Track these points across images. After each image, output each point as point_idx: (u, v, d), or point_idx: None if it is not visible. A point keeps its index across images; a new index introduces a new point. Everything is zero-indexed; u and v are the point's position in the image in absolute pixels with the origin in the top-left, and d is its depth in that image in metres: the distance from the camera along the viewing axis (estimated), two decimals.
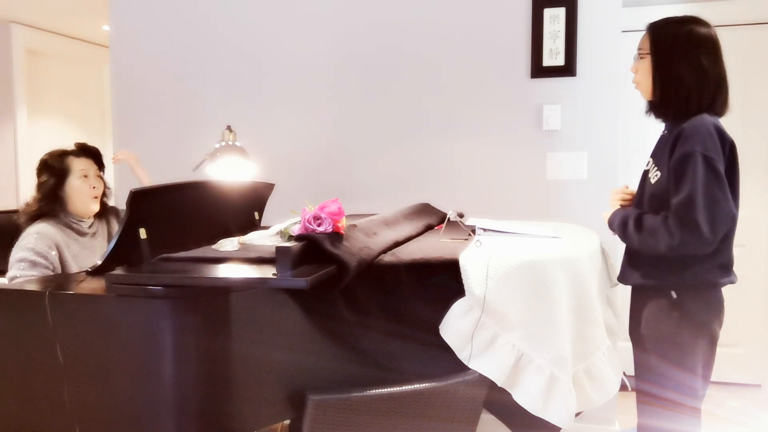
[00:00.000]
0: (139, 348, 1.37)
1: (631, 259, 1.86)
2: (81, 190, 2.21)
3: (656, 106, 1.87)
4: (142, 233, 1.60)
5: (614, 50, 2.57)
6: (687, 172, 1.67)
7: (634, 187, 2.07)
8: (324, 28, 2.89)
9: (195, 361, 1.38)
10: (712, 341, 1.78)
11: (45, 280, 1.86)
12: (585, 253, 1.63)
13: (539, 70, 2.63)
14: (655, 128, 3.67)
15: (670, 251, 1.69)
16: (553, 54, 2.61)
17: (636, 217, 1.79)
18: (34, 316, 1.44)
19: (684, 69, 1.76)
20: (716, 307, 1.77)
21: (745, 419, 2.81)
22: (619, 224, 1.84)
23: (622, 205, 1.97)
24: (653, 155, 1.90)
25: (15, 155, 4.29)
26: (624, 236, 1.82)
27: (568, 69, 2.60)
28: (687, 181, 1.66)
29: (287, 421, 1.61)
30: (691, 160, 1.66)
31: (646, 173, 1.92)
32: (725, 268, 1.76)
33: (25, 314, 1.48)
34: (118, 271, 1.46)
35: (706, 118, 1.73)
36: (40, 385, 1.47)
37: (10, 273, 2.07)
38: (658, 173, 1.80)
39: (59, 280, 1.70)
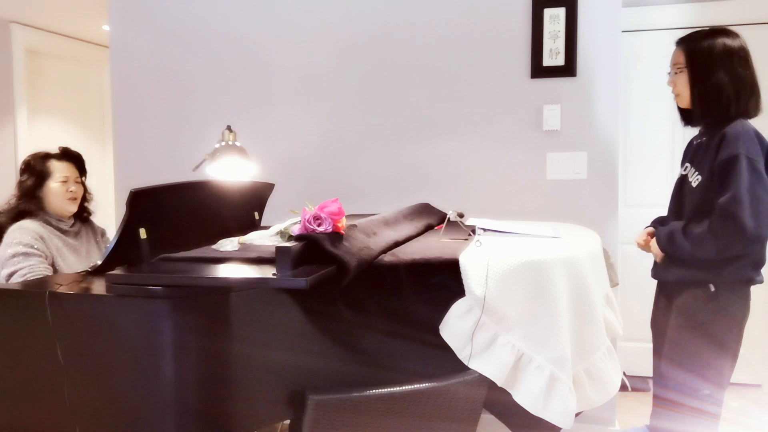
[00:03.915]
0: (139, 348, 1.37)
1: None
2: (58, 193, 2.26)
3: (697, 115, 1.96)
4: (142, 233, 1.60)
5: (614, 50, 2.57)
6: (731, 174, 1.76)
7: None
8: (324, 29, 2.89)
9: (195, 361, 1.38)
10: (740, 336, 1.88)
11: (45, 281, 1.86)
12: (585, 253, 1.63)
13: (539, 70, 2.63)
14: (656, 129, 3.68)
15: (720, 253, 1.79)
16: (553, 54, 2.61)
17: (682, 229, 1.88)
18: (34, 316, 1.44)
19: (722, 79, 1.86)
20: (747, 304, 1.88)
21: (745, 419, 2.81)
22: (666, 239, 1.93)
23: (646, 241, 2.07)
24: (691, 161, 1.99)
25: (15, 155, 4.29)
26: (673, 249, 1.91)
27: (568, 69, 2.60)
28: (732, 181, 1.75)
29: (287, 421, 1.61)
30: (736, 162, 1.76)
31: (683, 178, 2.00)
32: (757, 267, 1.86)
33: (25, 314, 1.48)
34: (118, 271, 1.46)
35: (746, 123, 1.84)
36: (40, 385, 1.47)
37: (6, 271, 2.08)
38: (699, 177, 1.89)
39: (59, 280, 1.70)
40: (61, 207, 2.27)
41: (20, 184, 2.28)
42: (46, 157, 2.30)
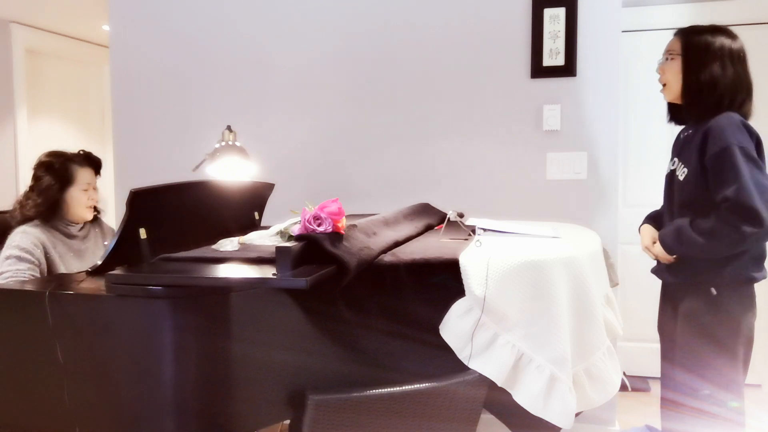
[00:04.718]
0: (139, 348, 1.37)
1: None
2: (79, 202, 2.22)
3: (686, 107, 1.90)
4: (142, 233, 1.60)
5: (614, 50, 2.57)
6: (727, 166, 1.70)
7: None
8: (324, 29, 2.89)
9: (195, 361, 1.38)
10: (750, 339, 1.83)
11: (45, 281, 1.86)
12: (585, 253, 1.63)
13: (539, 70, 2.63)
14: (656, 129, 3.68)
15: (733, 248, 1.71)
16: (553, 54, 2.61)
17: (690, 224, 1.80)
18: (34, 316, 1.44)
19: (718, 72, 1.82)
20: (752, 303, 1.82)
21: (746, 419, 2.81)
22: (673, 237, 1.84)
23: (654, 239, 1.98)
24: (678, 155, 1.94)
25: (15, 155, 4.29)
26: (681, 247, 1.83)
27: (568, 69, 2.60)
28: (731, 173, 1.69)
29: (287, 421, 1.61)
30: (730, 153, 1.70)
31: (672, 173, 1.95)
32: (758, 263, 1.81)
33: (25, 314, 1.48)
34: (118, 271, 1.46)
35: (733, 114, 1.78)
36: (40, 385, 1.47)
37: None
38: (686, 170, 1.84)
39: (59, 280, 1.70)
40: (80, 216, 2.24)
41: (43, 189, 2.17)
42: (68, 160, 2.23)
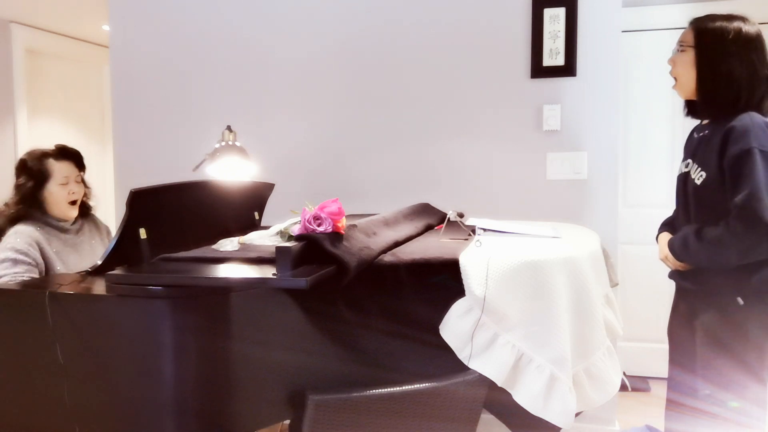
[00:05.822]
0: (139, 348, 1.37)
1: None
2: (59, 197, 2.20)
3: (701, 104, 1.79)
4: (142, 233, 1.60)
5: (614, 50, 2.57)
6: (745, 169, 1.61)
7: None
8: (324, 29, 2.89)
9: (195, 361, 1.38)
10: None
11: (45, 281, 1.86)
12: (585, 253, 1.63)
13: (539, 70, 2.63)
14: (656, 129, 3.67)
15: (741, 258, 1.62)
16: (553, 54, 2.61)
17: (695, 232, 1.72)
18: (34, 316, 1.44)
19: (735, 65, 1.69)
20: None
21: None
22: (680, 245, 1.76)
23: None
24: (692, 156, 1.82)
25: (15, 155, 4.28)
26: (688, 256, 1.76)
27: (568, 69, 2.60)
28: (746, 178, 1.60)
29: (287, 421, 1.61)
30: (749, 156, 1.61)
31: (686, 175, 1.84)
32: None
33: (25, 314, 1.48)
34: (118, 271, 1.46)
35: (755, 115, 1.68)
36: (40, 385, 1.47)
37: None
38: (703, 173, 1.74)
39: (59, 280, 1.70)
40: (62, 213, 2.21)
41: (18, 187, 2.19)
42: (43, 156, 2.22)
